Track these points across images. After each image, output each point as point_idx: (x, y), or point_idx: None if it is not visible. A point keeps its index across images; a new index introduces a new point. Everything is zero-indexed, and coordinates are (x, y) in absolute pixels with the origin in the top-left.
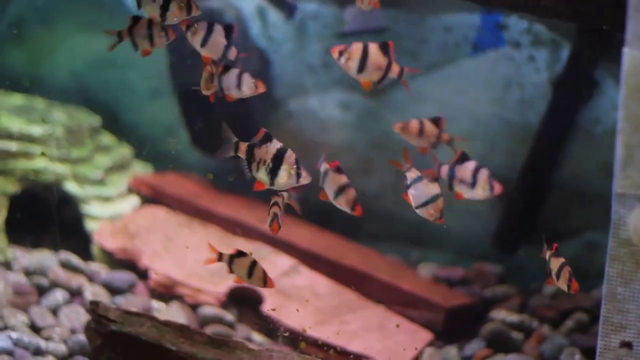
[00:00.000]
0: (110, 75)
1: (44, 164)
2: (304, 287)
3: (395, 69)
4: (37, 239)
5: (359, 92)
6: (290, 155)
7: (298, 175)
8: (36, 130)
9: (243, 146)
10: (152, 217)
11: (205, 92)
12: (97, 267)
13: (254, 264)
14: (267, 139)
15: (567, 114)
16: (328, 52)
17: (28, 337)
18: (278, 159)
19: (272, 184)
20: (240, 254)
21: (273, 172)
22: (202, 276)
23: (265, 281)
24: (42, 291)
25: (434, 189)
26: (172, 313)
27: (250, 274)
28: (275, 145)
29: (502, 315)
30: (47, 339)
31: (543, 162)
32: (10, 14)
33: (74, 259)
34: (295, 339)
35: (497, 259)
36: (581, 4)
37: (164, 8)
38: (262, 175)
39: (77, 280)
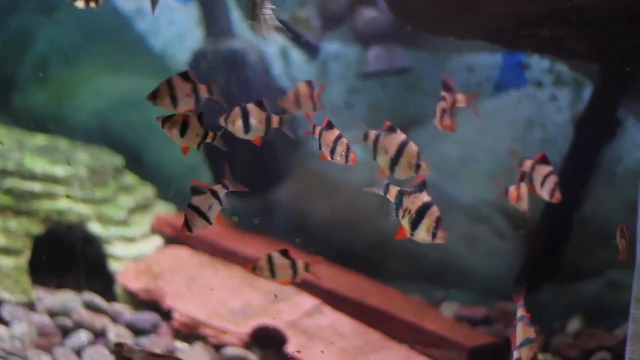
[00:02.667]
0: (133, 116)
1: (68, 205)
2: (327, 327)
3: (275, 120)
4: (60, 279)
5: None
6: (433, 212)
7: (434, 235)
8: (60, 171)
9: (394, 190)
10: (175, 258)
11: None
12: (121, 308)
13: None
14: (421, 187)
15: (589, 153)
16: (350, 92)
17: None
18: (421, 212)
19: (411, 234)
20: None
21: (414, 224)
22: (225, 317)
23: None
24: (65, 332)
25: (423, 198)
26: (196, 354)
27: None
28: (423, 197)
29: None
30: None
31: (566, 201)
32: (35, 55)
33: (98, 300)
34: None
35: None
36: (603, 46)
37: None
38: (405, 223)
39: (100, 321)
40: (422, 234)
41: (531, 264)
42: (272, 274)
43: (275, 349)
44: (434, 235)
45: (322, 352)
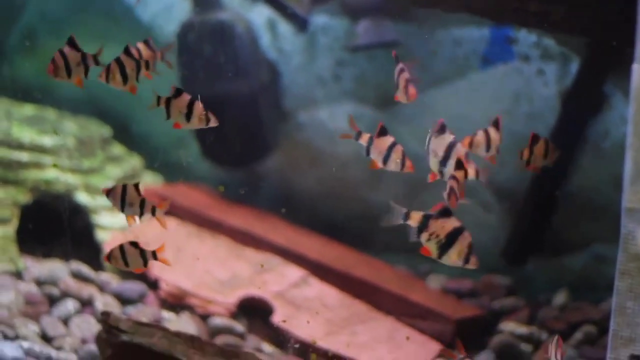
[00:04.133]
0: None
1: (55, 175)
2: (313, 298)
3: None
4: (48, 249)
5: (368, 104)
6: (465, 238)
7: (466, 260)
8: (47, 141)
9: (416, 216)
10: (162, 228)
11: None
12: (108, 278)
13: (191, 103)
14: (445, 214)
15: (576, 127)
16: (338, 64)
17: (39, 347)
18: (452, 237)
19: (439, 257)
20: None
21: (443, 248)
22: (212, 287)
23: (207, 119)
24: (53, 301)
25: (453, 223)
26: (183, 323)
27: (189, 115)
28: (453, 223)
29: (511, 327)
30: (58, 348)
31: (552, 174)
32: (22, 25)
33: (85, 269)
34: (305, 350)
35: (506, 271)
36: (590, 20)
37: None
38: (431, 245)
39: (87, 290)
40: (453, 258)
41: (517, 237)
42: (125, 262)
43: (262, 319)
44: (466, 261)
45: (308, 322)
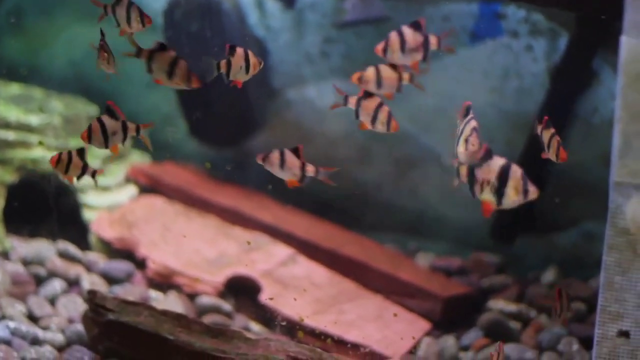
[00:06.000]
0: None
1: (42, 154)
2: (301, 276)
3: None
4: (34, 228)
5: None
6: (516, 171)
7: (525, 192)
8: (34, 119)
9: (464, 170)
10: (150, 207)
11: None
12: (95, 257)
13: (175, 60)
14: (488, 156)
15: (565, 103)
16: (326, 41)
17: (26, 327)
18: (503, 176)
19: (499, 203)
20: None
21: (499, 192)
22: (199, 266)
23: (190, 79)
24: (39, 281)
25: (498, 163)
26: (170, 302)
27: (171, 72)
28: (498, 162)
29: (499, 304)
30: (45, 328)
31: (541, 151)
32: (8, 3)
33: (72, 249)
34: (292, 328)
35: (494, 249)
36: None
37: None
38: (487, 196)
39: (74, 270)
40: (512, 197)
41: (506, 214)
42: (105, 140)
43: (249, 297)
44: (525, 193)
45: (295, 299)
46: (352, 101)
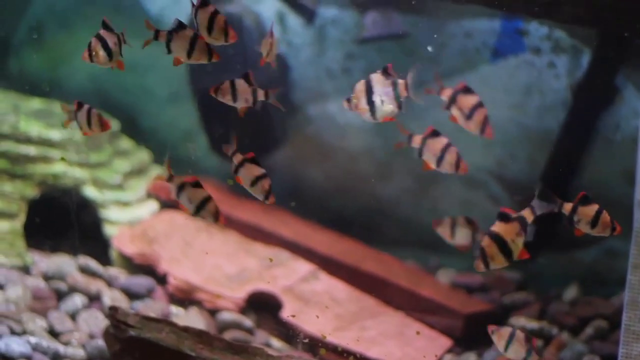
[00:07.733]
0: (129, 80)
1: (63, 169)
2: (323, 292)
3: (260, 94)
4: (55, 243)
5: None
6: (605, 216)
7: (613, 229)
8: (55, 134)
9: (567, 206)
10: (171, 222)
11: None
12: (116, 272)
13: (207, 198)
14: (586, 201)
15: (587, 120)
16: (347, 57)
17: (47, 342)
18: (596, 218)
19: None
20: (195, 184)
21: (593, 224)
22: (220, 281)
23: (217, 216)
24: (60, 296)
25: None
26: (191, 318)
27: (200, 207)
28: (593, 207)
29: (521, 322)
30: (66, 344)
31: (563, 168)
32: (29, 18)
33: (93, 264)
34: (314, 345)
35: (516, 266)
36: (601, 11)
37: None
38: (583, 226)
39: (95, 285)
40: (599, 231)
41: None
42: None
43: (271, 314)
44: (612, 230)
45: (318, 317)
46: (417, 140)
